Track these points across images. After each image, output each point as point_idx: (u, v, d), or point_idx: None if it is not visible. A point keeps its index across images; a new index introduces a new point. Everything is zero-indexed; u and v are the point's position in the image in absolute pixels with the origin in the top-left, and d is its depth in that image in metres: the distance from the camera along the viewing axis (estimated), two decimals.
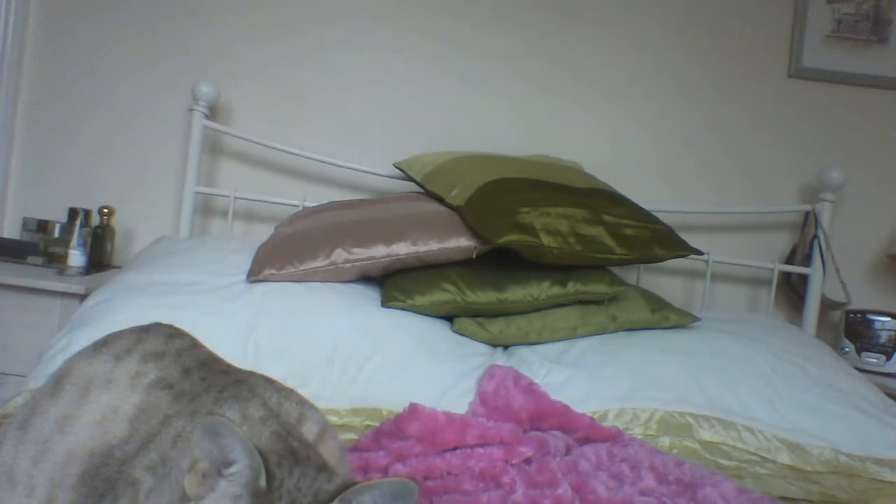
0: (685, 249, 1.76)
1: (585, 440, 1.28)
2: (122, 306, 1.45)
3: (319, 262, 1.63)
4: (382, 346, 1.47)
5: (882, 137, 2.32)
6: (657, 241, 1.73)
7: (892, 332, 2.10)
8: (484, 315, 1.63)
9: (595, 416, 1.35)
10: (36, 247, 2.07)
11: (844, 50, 2.29)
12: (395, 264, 1.66)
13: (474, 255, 1.66)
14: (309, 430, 0.75)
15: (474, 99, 2.30)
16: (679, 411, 1.40)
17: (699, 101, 2.33)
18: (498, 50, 2.31)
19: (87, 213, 2.11)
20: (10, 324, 1.82)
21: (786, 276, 2.27)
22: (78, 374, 0.79)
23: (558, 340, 1.63)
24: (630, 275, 2.20)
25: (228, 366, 0.84)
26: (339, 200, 1.99)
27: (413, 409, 1.19)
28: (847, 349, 2.13)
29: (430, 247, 1.65)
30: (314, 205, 2.01)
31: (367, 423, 1.32)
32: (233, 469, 0.60)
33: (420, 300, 1.60)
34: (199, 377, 0.78)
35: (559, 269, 1.66)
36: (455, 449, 1.13)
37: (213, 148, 2.26)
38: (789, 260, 2.26)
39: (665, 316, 1.72)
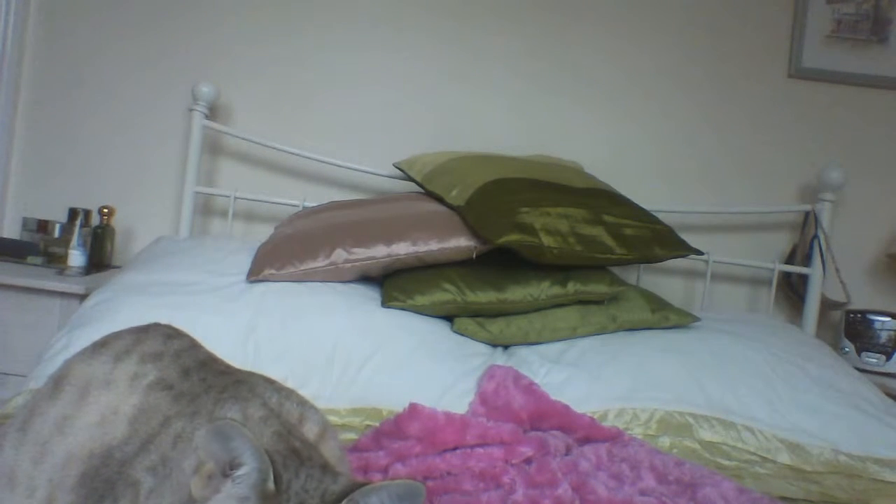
0: (685, 249, 1.76)
1: (585, 440, 1.28)
2: (122, 306, 1.45)
3: (319, 262, 1.63)
4: (382, 346, 1.47)
5: (882, 137, 2.32)
6: (657, 241, 1.73)
7: (892, 332, 2.10)
8: (484, 315, 1.63)
9: (595, 416, 1.35)
10: (36, 247, 2.07)
11: (844, 50, 2.29)
12: (395, 264, 1.66)
13: (474, 255, 1.66)
14: (309, 430, 0.75)
15: (474, 99, 2.30)
16: (679, 411, 1.40)
17: (699, 101, 2.33)
18: (498, 50, 2.30)
19: (87, 213, 2.11)
20: (10, 324, 1.82)
21: (786, 276, 2.27)
22: (77, 375, 0.79)
23: (558, 340, 1.63)
24: (630, 275, 2.20)
25: (228, 366, 0.84)
26: (339, 200, 1.99)
27: (413, 409, 1.19)
28: (847, 349, 2.13)
29: (430, 247, 1.65)
30: (314, 205, 2.01)
31: (367, 423, 1.32)
32: (240, 471, 0.60)
33: (420, 300, 1.60)
34: (198, 378, 0.78)
35: (559, 269, 1.66)
36: (455, 449, 1.13)
37: (213, 148, 2.26)
38: (789, 260, 2.26)
39: (665, 316, 1.72)
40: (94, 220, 2.14)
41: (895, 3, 2.29)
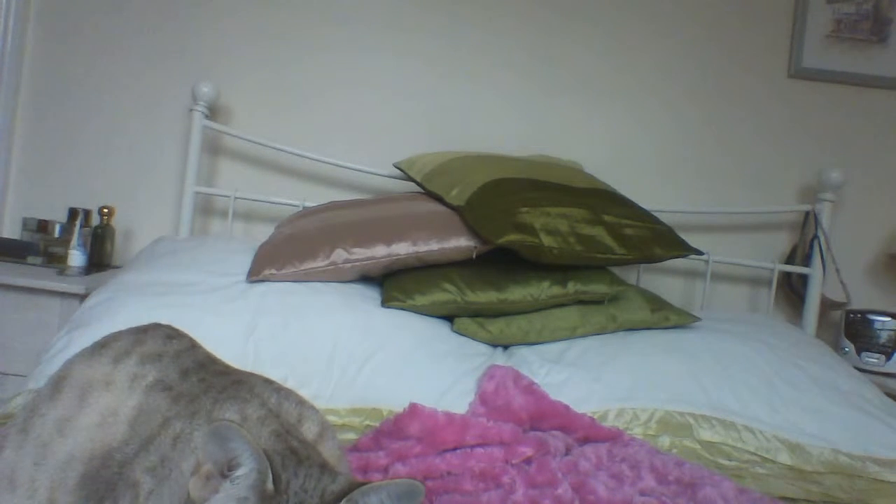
0: (685, 249, 1.76)
1: (585, 440, 1.28)
2: (122, 306, 1.45)
3: (319, 262, 1.63)
4: (382, 346, 1.47)
5: (882, 137, 2.32)
6: (657, 241, 1.73)
7: (892, 332, 2.10)
8: (484, 315, 1.63)
9: (595, 416, 1.35)
10: (36, 247, 2.07)
11: (844, 50, 2.29)
12: (396, 264, 1.66)
13: (474, 255, 1.66)
14: (308, 430, 0.75)
15: (474, 99, 2.30)
16: (679, 411, 1.40)
17: (699, 101, 2.33)
18: (498, 50, 2.30)
19: (87, 213, 2.11)
20: (10, 324, 1.82)
21: (786, 276, 2.27)
22: (77, 376, 0.79)
23: (558, 340, 1.63)
24: (630, 275, 2.20)
25: (227, 367, 0.84)
26: (339, 200, 1.99)
27: (413, 409, 1.19)
28: (847, 349, 2.13)
29: (430, 247, 1.65)
30: (314, 205, 2.01)
31: (367, 423, 1.32)
32: (239, 472, 0.60)
33: (420, 300, 1.60)
34: (197, 378, 0.78)
35: (559, 269, 1.66)
36: (455, 449, 1.13)
37: (213, 148, 2.26)
38: (789, 260, 2.26)
39: (665, 316, 1.72)
40: (94, 220, 2.14)
41: (895, 3, 2.29)
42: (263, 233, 2.01)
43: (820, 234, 2.16)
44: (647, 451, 1.23)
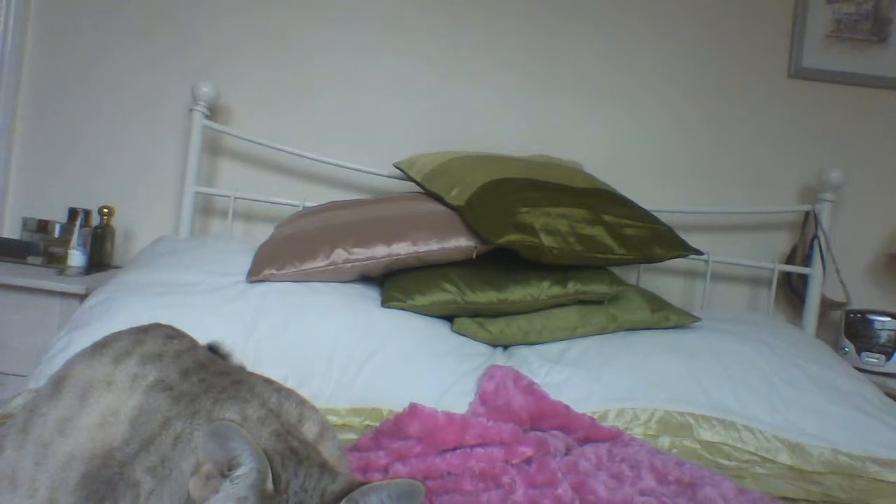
0: (685, 249, 1.76)
1: (585, 440, 1.28)
2: (122, 306, 1.45)
3: (319, 262, 1.63)
4: (382, 346, 1.47)
5: (882, 137, 2.32)
6: (657, 241, 1.73)
7: (892, 332, 2.10)
8: (484, 315, 1.63)
9: (595, 416, 1.35)
10: (36, 247, 2.07)
11: (844, 50, 2.29)
12: (396, 264, 1.66)
13: (474, 255, 1.66)
14: (309, 430, 0.75)
15: (474, 99, 2.30)
16: (679, 411, 1.40)
17: (699, 101, 2.33)
18: (498, 50, 2.31)
19: (87, 213, 2.11)
20: (10, 324, 1.82)
21: (786, 276, 2.27)
22: (77, 376, 0.79)
23: (558, 340, 1.63)
24: (630, 275, 2.20)
25: (227, 366, 0.84)
26: (339, 200, 1.99)
27: (413, 409, 1.19)
28: (847, 349, 2.13)
29: (430, 247, 1.65)
30: (314, 205, 2.01)
31: (367, 423, 1.32)
32: (238, 471, 0.60)
33: (420, 300, 1.60)
34: (198, 378, 0.78)
35: (559, 269, 1.66)
36: (455, 449, 1.13)
37: (213, 148, 2.26)
38: (789, 260, 2.26)
39: (665, 316, 1.72)
40: (94, 220, 2.14)
41: (895, 3, 2.29)
42: (263, 233, 2.01)
43: (820, 234, 2.16)
44: (647, 451, 1.23)
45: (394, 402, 1.32)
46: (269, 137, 2.16)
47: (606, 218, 1.71)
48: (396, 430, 1.16)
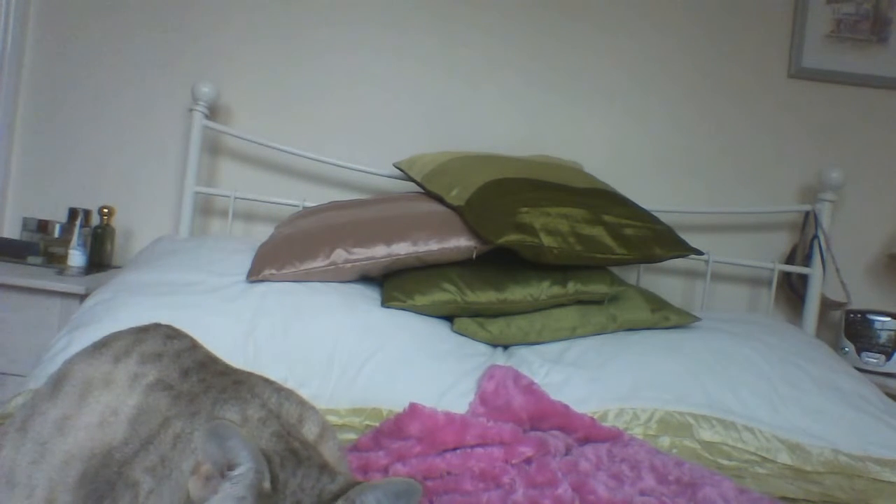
0: (685, 249, 1.76)
1: (585, 440, 1.28)
2: (122, 306, 1.45)
3: (319, 262, 1.63)
4: (382, 346, 1.47)
5: (882, 137, 2.32)
6: (657, 241, 1.73)
7: (892, 332, 2.10)
8: (484, 315, 1.63)
9: (595, 416, 1.35)
10: (36, 247, 2.07)
11: (844, 50, 2.29)
12: (396, 264, 1.66)
13: (474, 256, 1.66)
14: (309, 431, 0.75)
15: (474, 99, 2.30)
16: (679, 411, 1.40)
17: (699, 100, 2.33)
18: (498, 50, 2.30)
19: (87, 213, 2.11)
20: (10, 324, 1.82)
21: (786, 276, 2.27)
22: (77, 375, 0.79)
23: (558, 340, 1.63)
24: (630, 275, 2.20)
25: (227, 366, 0.84)
26: (339, 200, 1.99)
27: (413, 409, 1.19)
28: (847, 349, 2.13)
29: (430, 247, 1.65)
30: (314, 205, 2.01)
31: (367, 423, 1.32)
32: (237, 471, 0.60)
33: (420, 300, 1.60)
34: (198, 378, 0.78)
35: (559, 269, 1.66)
36: (455, 449, 1.13)
37: (213, 148, 2.26)
38: (789, 260, 2.26)
39: (665, 316, 1.72)
40: (94, 220, 2.14)
41: (895, 4, 2.29)
42: (263, 233, 2.01)
43: (820, 234, 2.16)
44: (647, 451, 1.23)
45: (394, 402, 1.32)
46: (269, 137, 2.16)
47: (606, 218, 1.71)
48: (396, 430, 1.16)
